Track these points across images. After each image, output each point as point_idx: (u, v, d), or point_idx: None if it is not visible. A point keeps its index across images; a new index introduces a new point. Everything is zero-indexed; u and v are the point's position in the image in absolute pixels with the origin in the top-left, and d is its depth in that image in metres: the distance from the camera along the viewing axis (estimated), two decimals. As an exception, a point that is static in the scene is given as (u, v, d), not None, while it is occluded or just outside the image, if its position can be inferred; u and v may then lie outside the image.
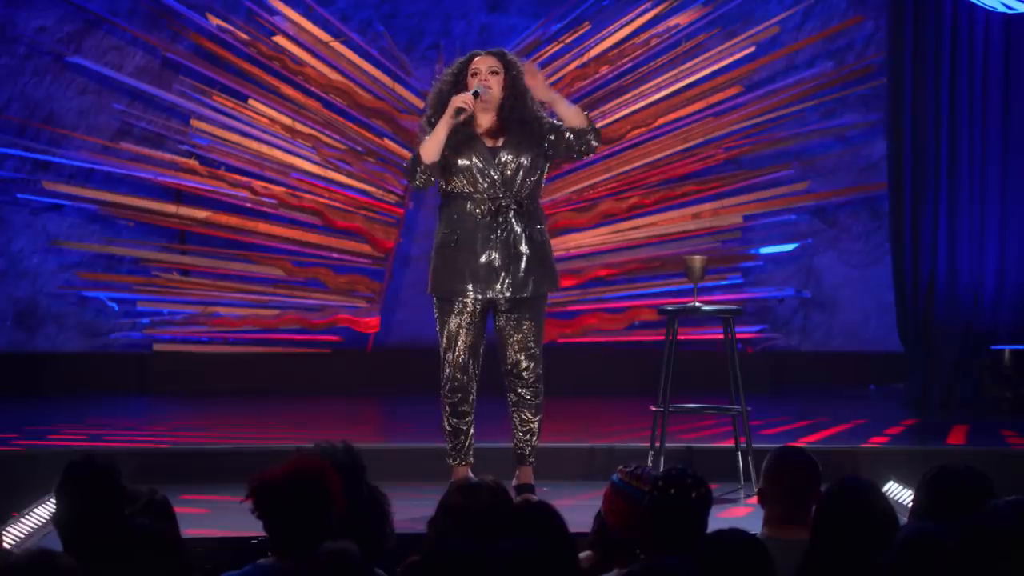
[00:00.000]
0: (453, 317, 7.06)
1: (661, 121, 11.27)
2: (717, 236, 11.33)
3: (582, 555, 4.77)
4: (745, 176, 11.32)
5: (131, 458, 7.63)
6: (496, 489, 4.56)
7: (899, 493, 7.39)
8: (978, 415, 9.68)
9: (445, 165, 7.04)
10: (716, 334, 10.20)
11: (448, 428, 7.21)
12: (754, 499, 5.11)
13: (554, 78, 11.28)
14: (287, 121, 11.26)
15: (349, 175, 11.29)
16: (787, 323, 11.45)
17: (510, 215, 7.01)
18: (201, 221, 11.22)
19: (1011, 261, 10.22)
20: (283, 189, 11.21)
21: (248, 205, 11.22)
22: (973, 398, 10.02)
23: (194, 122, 11.22)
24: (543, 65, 11.30)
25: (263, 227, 11.26)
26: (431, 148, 6.98)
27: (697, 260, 7.97)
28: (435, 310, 7.17)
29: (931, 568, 3.64)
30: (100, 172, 11.19)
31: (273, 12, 11.24)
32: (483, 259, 7.01)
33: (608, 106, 11.26)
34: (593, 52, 11.28)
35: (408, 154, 11.24)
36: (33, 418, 9.70)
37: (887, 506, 4.16)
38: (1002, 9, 9.94)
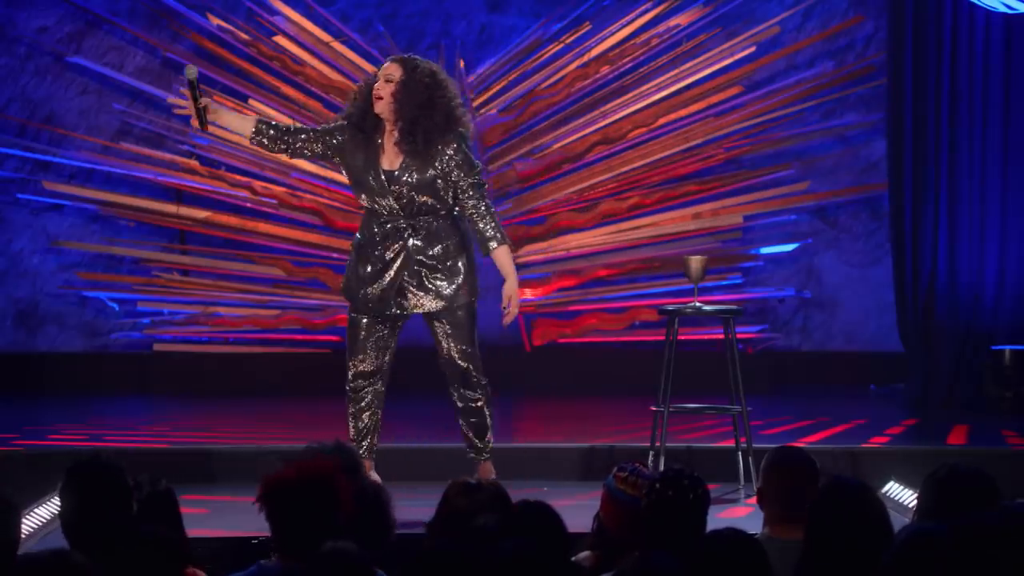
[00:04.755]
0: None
1: (662, 121, 11.27)
2: (717, 236, 11.33)
3: (582, 555, 4.78)
4: (745, 176, 11.31)
5: (131, 458, 7.62)
6: (496, 490, 4.56)
7: (899, 493, 7.39)
8: (978, 415, 9.68)
9: (352, 182, 7.01)
10: (716, 334, 10.20)
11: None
12: (754, 499, 5.11)
13: (554, 78, 11.29)
14: (288, 121, 11.25)
15: (349, 175, 11.28)
16: (787, 323, 11.45)
17: (406, 235, 6.97)
18: (201, 221, 11.22)
19: (1011, 261, 10.22)
20: (283, 189, 11.21)
21: (248, 205, 11.23)
22: (973, 398, 10.03)
23: (194, 122, 11.20)
24: (544, 65, 11.31)
25: (263, 227, 11.26)
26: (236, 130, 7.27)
27: (697, 260, 7.97)
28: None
29: (931, 568, 3.64)
30: (100, 172, 11.19)
31: (273, 12, 11.24)
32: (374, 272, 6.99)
33: (609, 106, 11.26)
34: (594, 52, 11.28)
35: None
36: (33, 418, 9.70)
37: (878, 505, 4.16)
38: (1002, 9, 9.95)
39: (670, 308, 8.00)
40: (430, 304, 6.99)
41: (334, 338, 11.23)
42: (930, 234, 10.19)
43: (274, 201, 11.22)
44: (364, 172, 6.93)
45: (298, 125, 7.23)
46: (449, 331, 7.04)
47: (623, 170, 11.28)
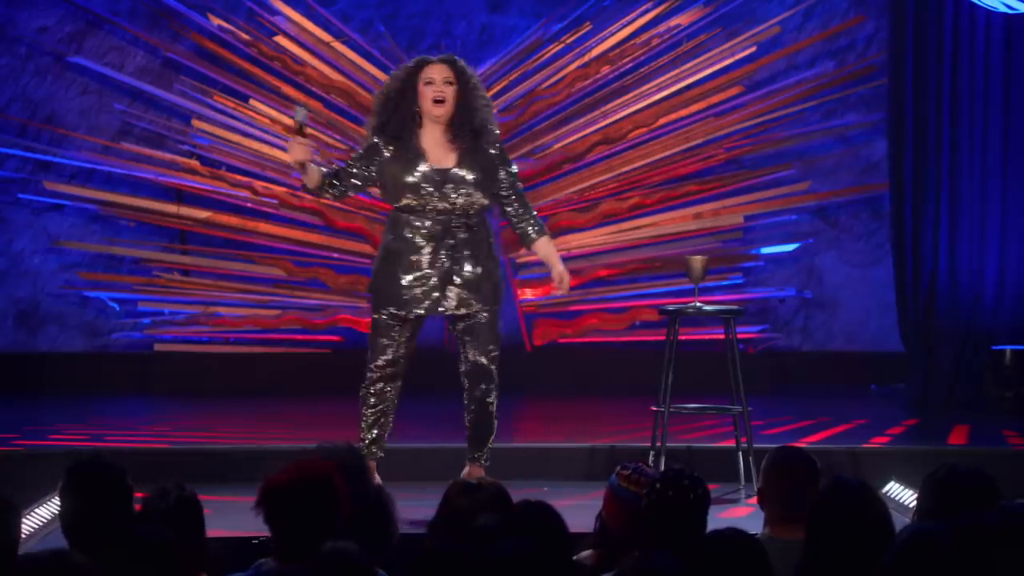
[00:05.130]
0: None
1: (662, 121, 11.26)
2: (718, 236, 11.33)
3: (584, 554, 4.78)
4: (746, 176, 11.31)
5: (132, 458, 7.62)
6: (496, 490, 4.56)
7: (900, 493, 7.39)
8: (979, 415, 9.67)
9: (393, 183, 6.99)
10: (717, 334, 10.20)
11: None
12: (754, 499, 5.11)
13: (555, 78, 11.29)
14: (288, 121, 11.25)
15: (350, 175, 11.28)
16: (788, 323, 11.45)
17: (456, 234, 6.99)
18: (202, 221, 11.22)
19: (1012, 261, 10.22)
20: (284, 189, 11.21)
21: (249, 205, 11.22)
22: (974, 398, 10.02)
23: (195, 122, 11.22)
24: (544, 65, 11.31)
25: (264, 227, 11.26)
26: (308, 183, 7.05)
27: (698, 260, 7.97)
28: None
29: (932, 568, 3.64)
30: (101, 172, 11.19)
31: (274, 12, 11.24)
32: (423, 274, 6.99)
33: (609, 106, 11.26)
34: (594, 52, 11.28)
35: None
36: (34, 418, 9.70)
37: (880, 505, 4.16)
38: (1003, 9, 9.95)
39: (671, 308, 8.00)
40: (469, 304, 6.99)
41: (334, 338, 11.24)
42: (930, 234, 10.19)
43: (275, 201, 11.22)
44: (412, 174, 6.93)
45: (344, 169, 7.13)
46: (480, 332, 7.03)
47: (624, 170, 11.28)
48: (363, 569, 3.83)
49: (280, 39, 11.24)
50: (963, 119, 10.16)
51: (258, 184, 11.19)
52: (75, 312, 11.26)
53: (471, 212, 6.99)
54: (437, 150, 6.97)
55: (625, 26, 11.29)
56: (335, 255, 11.29)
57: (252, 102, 11.23)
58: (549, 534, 4.18)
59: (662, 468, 7.26)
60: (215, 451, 8.27)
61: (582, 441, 8.42)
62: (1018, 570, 3.67)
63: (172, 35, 11.24)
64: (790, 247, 11.36)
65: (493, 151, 7.04)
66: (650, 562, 3.66)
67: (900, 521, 4.37)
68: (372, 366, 7.08)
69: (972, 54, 10.14)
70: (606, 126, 11.24)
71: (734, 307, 8.22)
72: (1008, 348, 10.03)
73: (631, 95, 11.30)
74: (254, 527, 4.36)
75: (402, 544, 4.58)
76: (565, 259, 11.11)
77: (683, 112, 11.27)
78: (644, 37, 11.29)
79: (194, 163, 11.21)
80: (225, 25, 11.19)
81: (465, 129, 6.95)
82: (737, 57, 11.28)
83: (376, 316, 7.09)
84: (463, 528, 4.29)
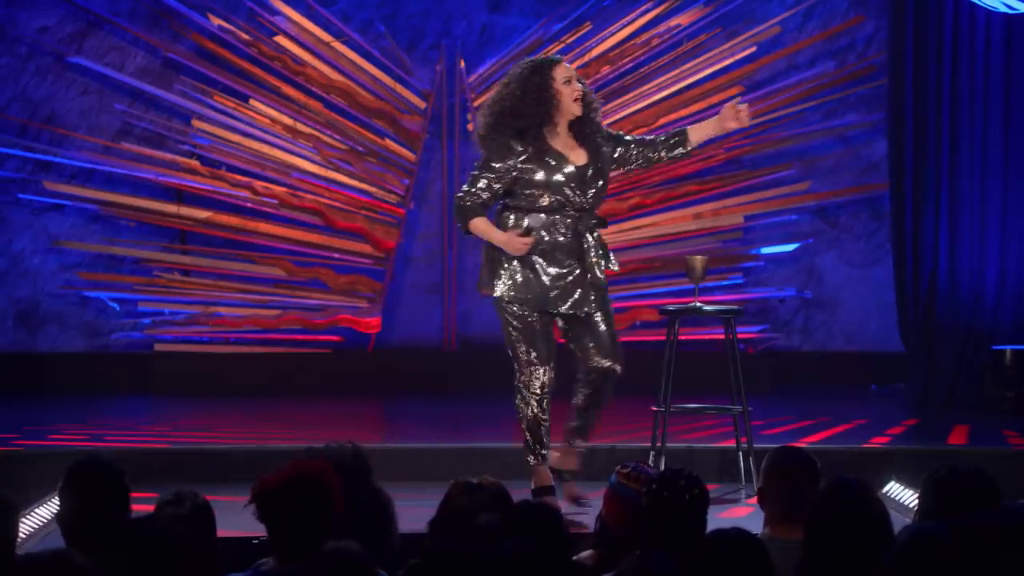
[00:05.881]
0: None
1: (662, 121, 11.26)
2: (718, 236, 11.33)
3: (584, 554, 4.78)
4: (746, 176, 11.32)
5: (132, 458, 7.62)
6: (496, 490, 4.56)
7: (900, 493, 7.38)
8: (979, 415, 9.67)
9: (533, 184, 6.91)
10: (717, 334, 10.21)
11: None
12: (754, 499, 5.11)
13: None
14: (288, 121, 11.26)
15: (350, 175, 11.29)
16: (788, 323, 11.45)
17: (592, 230, 7.00)
18: (202, 221, 11.22)
19: (1012, 261, 10.22)
20: (284, 189, 11.21)
21: (249, 205, 11.22)
22: (974, 398, 10.02)
23: (195, 122, 11.22)
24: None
25: (264, 227, 11.26)
26: (478, 235, 6.98)
27: (698, 260, 7.96)
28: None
29: (932, 568, 3.64)
30: (101, 172, 11.19)
31: (274, 12, 11.24)
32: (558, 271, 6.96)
33: (609, 106, 11.24)
34: (594, 52, 11.28)
35: (411, 155, 11.28)
36: (34, 418, 9.70)
37: (879, 505, 4.16)
38: (1003, 9, 9.95)
39: (671, 308, 7.99)
40: (597, 301, 6.99)
41: (334, 338, 11.24)
42: (931, 234, 10.19)
43: (275, 201, 11.22)
44: (556, 174, 6.90)
45: (490, 191, 6.95)
46: (602, 328, 7.02)
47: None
48: (364, 569, 3.83)
49: (280, 39, 11.24)
50: (963, 119, 10.16)
51: (258, 184, 11.19)
52: (75, 312, 11.25)
53: (598, 205, 7.03)
54: (565, 146, 6.98)
55: (625, 26, 11.30)
56: (335, 255, 11.29)
57: (252, 102, 11.23)
58: (549, 534, 4.18)
59: (662, 468, 7.26)
60: (215, 451, 8.27)
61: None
62: (1018, 570, 3.67)
63: (172, 35, 11.24)
64: (790, 247, 11.36)
65: (603, 137, 7.10)
66: (650, 562, 3.66)
67: (900, 521, 4.37)
68: (531, 373, 6.96)
69: (972, 54, 10.14)
70: (606, 126, 11.22)
71: (734, 307, 8.21)
72: (1008, 348, 10.03)
73: (631, 95, 11.30)
74: (254, 527, 4.36)
75: (402, 544, 4.58)
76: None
77: (683, 112, 11.26)
78: (644, 37, 11.30)
79: (194, 163, 11.21)
80: (225, 25, 11.19)
81: (587, 125, 7.00)
82: (737, 57, 11.28)
83: (524, 320, 6.97)
84: (463, 528, 4.29)
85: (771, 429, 8.83)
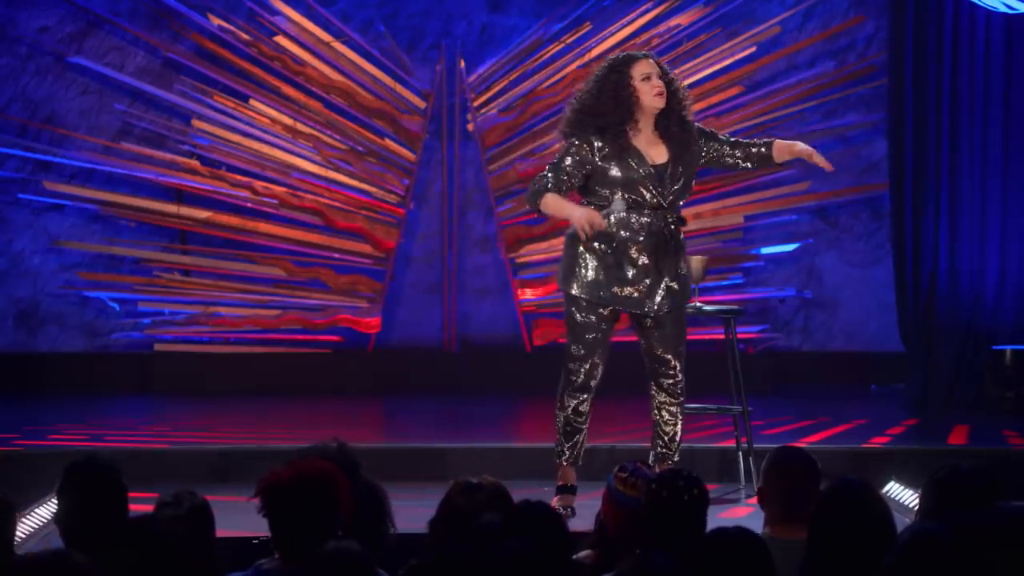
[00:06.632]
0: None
1: (662, 121, 11.25)
2: (718, 236, 11.33)
3: (583, 554, 4.77)
4: (746, 176, 11.31)
5: (132, 458, 7.62)
6: (496, 490, 4.56)
7: (900, 493, 7.38)
8: (979, 415, 9.67)
9: (611, 182, 6.85)
10: (717, 334, 10.20)
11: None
12: (754, 499, 5.11)
13: (555, 78, 11.29)
14: (288, 121, 11.26)
15: (350, 175, 11.29)
16: (788, 323, 11.45)
17: (671, 229, 6.93)
18: (202, 221, 11.22)
19: (1012, 261, 10.22)
20: (284, 189, 11.21)
21: (249, 205, 11.23)
22: (974, 398, 10.02)
23: (195, 122, 11.22)
24: (544, 65, 11.31)
25: (264, 227, 11.27)
26: (549, 212, 6.97)
27: (698, 260, 7.96)
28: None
29: (933, 568, 3.64)
30: (101, 172, 11.19)
31: (274, 12, 11.25)
32: (637, 271, 6.90)
33: (609, 106, 11.25)
34: (594, 52, 11.27)
35: (411, 155, 11.28)
36: (34, 418, 9.70)
37: (882, 505, 4.16)
38: (1003, 9, 9.95)
39: (671, 308, 7.97)
40: (674, 301, 6.98)
41: (334, 338, 11.24)
42: (931, 234, 10.19)
43: (275, 201, 11.22)
44: (636, 172, 6.84)
45: (566, 181, 6.91)
46: (672, 332, 7.03)
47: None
48: (364, 569, 3.83)
49: (280, 39, 11.25)
50: (963, 119, 10.16)
51: (258, 184, 11.20)
52: (75, 312, 11.25)
53: (678, 206, 6.95)
54: (647, 144, 6.91)
55: (625, 26, 11.30)
56: (335, 255, 11.29)
57: (252, 102, 11.23)
58: (550, 534, 4.18)
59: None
60: (214, 451, 8.26)
61: (582, 441, 8.40)
62: (1019, 570, 3.67)
63: (172, 35, 11.24)
64: (790, 247, 11.36)
65: (693, 134, 7.00)
66: (650, 562, 3.66)
67: (901, 522, 4.37)
68: (578, 372, 6.96)
69: (972, 54, 10.14)
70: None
71: (734, 307, 8.21)
72: (1008, 348, 10.03)
73: (631, 95, 11.28)
74: (254, 527, 4.36)
75: (402, 544, 4.58)
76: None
77: (683, 112, 11.25)
78: (644, 37, 11.29)
79: (194, 163, 11.22)
80: (225, 25, 11.19)
81: (672, 122, 6.91)
82: (737, 57, 11.29)
83: (584, 318, 6.94)
84: (464, 528, 4.29)
85: (771, 429, 8.83)
